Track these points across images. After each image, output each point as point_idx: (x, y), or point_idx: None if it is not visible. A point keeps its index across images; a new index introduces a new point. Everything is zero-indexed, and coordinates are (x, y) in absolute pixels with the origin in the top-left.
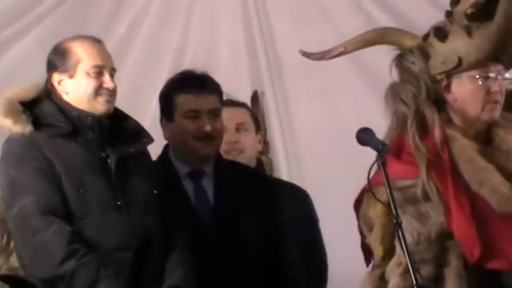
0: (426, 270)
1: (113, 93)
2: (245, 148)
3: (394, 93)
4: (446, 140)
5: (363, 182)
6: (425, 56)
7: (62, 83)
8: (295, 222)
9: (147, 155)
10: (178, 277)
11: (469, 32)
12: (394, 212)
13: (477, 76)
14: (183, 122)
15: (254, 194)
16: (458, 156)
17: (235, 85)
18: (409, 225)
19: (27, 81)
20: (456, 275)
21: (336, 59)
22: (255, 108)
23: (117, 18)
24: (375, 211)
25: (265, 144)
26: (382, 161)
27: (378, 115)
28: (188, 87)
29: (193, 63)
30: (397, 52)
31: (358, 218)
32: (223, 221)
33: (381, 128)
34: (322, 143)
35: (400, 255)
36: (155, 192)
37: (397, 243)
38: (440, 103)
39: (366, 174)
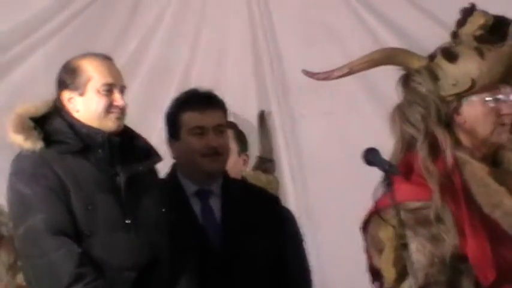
0: None
1: (123, 110)
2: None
3: (401, 114)
4: (457, 163)
5: (369, 202)
6: (434, 76)
7: (72, 100)
8: (289, 242)
9: (155, 173)
10: None
11: (481, 54)
12: (402, 233)
13: (487, 98)
14: (189, 139)
15: (261, 214)
16: (470, 179)
17: (242, 105)
18: (422, 247)
19: (36, 98)
20: None
21: (343, 78)
22: (261, 128)
23: (126, 36)
24: (386, 233)
25: (272, 163)
26: (388, 181)
27: (385, 135)
28: (193, 105)
29: (200, 82)
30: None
31: (365, 240)
32: (230, 240)
33: (388, 148)
34: (328, 163)
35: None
36: (163, 210)
37: (409, 267)
38: (448, 125)
39: (372, 193)
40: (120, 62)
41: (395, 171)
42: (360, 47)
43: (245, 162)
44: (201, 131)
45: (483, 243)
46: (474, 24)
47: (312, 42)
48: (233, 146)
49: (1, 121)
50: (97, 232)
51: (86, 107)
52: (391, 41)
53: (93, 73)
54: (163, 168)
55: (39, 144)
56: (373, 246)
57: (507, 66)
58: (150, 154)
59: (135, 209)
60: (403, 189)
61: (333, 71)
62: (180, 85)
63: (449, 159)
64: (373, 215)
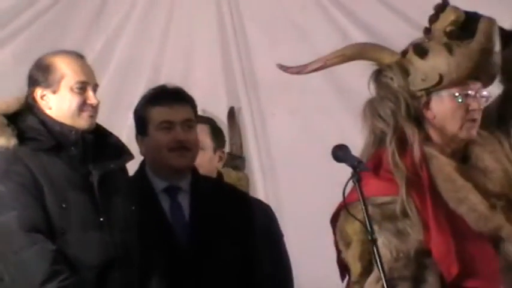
0: (405, 287)
1: (96, 109)
2: (199, 167)
3: (372, 109)
4: (425, 158)
5: (338, 198)
6: (405, 72)
7: (44, 97)
8: (263, 238)
9: (125, 171)
10: None
11: (449, 50)
12: (369, 228)
13: (457, 94)
14: (157, 134)
15: (230, 211)
16: (436, 174)
17: (211, 101)
18: (388, 242)
19: (6, 92)
20: None
21: (312, 76)
22: (231, 124)
23: (93, 34)
24: (353, 228)
25: (242, 159)
26: (357, 177)
27: (354, 132)
28: (161, 100)
29: (170, 79)
30: (374, 68)
31: (334, 233)
32: (198, 237)
33: (357, 145)
34: (298, 159)
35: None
36: (133, 208)
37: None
38: (418, 120)
39: (342, 190)
40: (88, 59)
41: (364, 167)
42: (329, 45)
43: (221, 158)
44: (168, 125)
45: (447, 238)
46: (445, 20)
47: (281, 40)
48: (208, 142)
49: None
50: (71, 230)
51: (58, 104)
52: (360, 39)
53: (67, 71)
54: (133, 166)
55: (13, 141)
56: (341, 240)
57: (475, 62)
58: (122, 152)
59: (108, 207)
60: (371, 184)
61: (305, 65)
62: (149, 82)
63: (417, 154)
64: (342, 208)
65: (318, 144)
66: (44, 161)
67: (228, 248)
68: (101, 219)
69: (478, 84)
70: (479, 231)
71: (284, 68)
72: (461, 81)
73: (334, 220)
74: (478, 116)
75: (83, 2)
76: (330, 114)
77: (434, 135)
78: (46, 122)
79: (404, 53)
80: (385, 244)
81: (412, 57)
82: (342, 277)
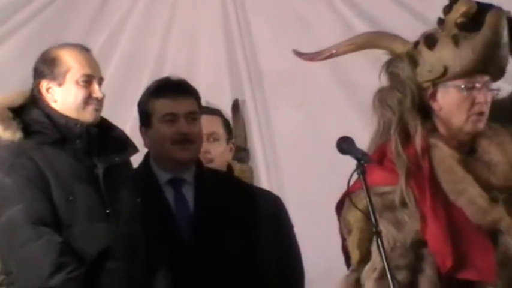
0: (401, 277)
1: (101, 102)
2: (214, 158)
3: (381, 98)
4: (427, 149)
5: (342, 190)
6: (414, 63)
7: (50, 90)
8: (271, 230)
9: (129, 163)
10: None
11: (456, 42)
12: (373, 220)
13: (462, 86)
14: (160, 126)
15: (235, 203)
16: (438, 166)
17: (215, 93)
18: (386, 231)
19: (8, 88)
20: (430, 283)
21: (316, 69)
22: (235, 117)
23: (97, 27)
24: (354, 216)
25: (246, 152)
26: (361, 169)
27: (358, 124)
28: (165, 92)
29: (174, 72)
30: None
31: (339, 221)
32: (203, 229)
33: (361, 137)
34: (302, 151)
35: (375, 261)
36: (138, 201)
37: (373, 249)
38: (426, 111)
39: (346, 182)
40: (92, 52)
41: (368, 160)
42: (334, 38)
43: (231, 150)
44: (172, 117)
45: (443, 230)
46: (457, 12)
47: (286, 33)
48: (222, 133)
49: None
50: (77, 222)
51: (64, 97)
52: (364, 30)
53: (72, 64)
54: (138, 158)
55: (18, 135)
56: (344, 228)
57: (480, 55)
58: (127, 145)
59: (113, 200)
60: (374, 174)
61: (318, 52)
62: (153, 75)
63: (418, 145)
64: (346, 196)
65: (322, 137)
66: (49, 154)
67: (232, 240)
68: (107, 211)
69: (486, 77)
70: (478, 224)
71: (299, 54)
72: (467, 74)
73: (339, 208)
74: (485, 109)
75: None
76: (334, 107)
77: (440, 126)
78: (51, 115)
79: (416, 43)
80: (384, 233)
81: (422, 48)
82: (347, 265)
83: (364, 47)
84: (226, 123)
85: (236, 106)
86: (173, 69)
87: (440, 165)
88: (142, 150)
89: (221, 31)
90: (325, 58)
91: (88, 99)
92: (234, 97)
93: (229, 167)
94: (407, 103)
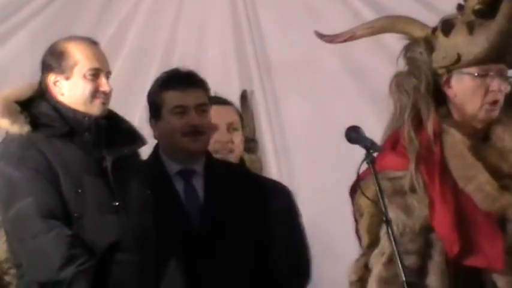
0: (409, 262)
1: (108, 96)
2: (235, 148)
3: (398, 82)
4: (439, 135)
5: (352, 179)
6: (430, 48)
7: (57, 83)
8: (279, 219)
9: (138, 155)
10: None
11: (470, 29)
12: (383, 209)
13: (476, 74)
14: (170, 118)
15: (244, 193)
16: (448, 152)
17: (224, 84)
18: (395, 216)
19: (17, 80)
20: (438, 269)
21: (325, 57)
22: (244, 107)
23: (106, 19)
24: (365, 200)
25: (254, 142)
26: (370, 159)
27: (368, 113)
28: (174, 84)
29: (182, 63)
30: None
31: (352, 204)
32: (213, 220)
33: (371, 126)
34: (311, 141)
35: (384, 245)
36: (148, 192)
37: (382, 234)
38: (441, 97)
39: (355, 172)
40: (100, 44)
41: (377, 148)
42: (341, 26)
43: (241, 141)
44: (182, 110)
45: (451, 216)
46: None
47: (294, 23)
48: (239, 122)
49: None
50: (86, 214)
51: (71, 91)
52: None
53: (80, 57)
54: (147, 150)
55: (26, 128)
56: (357, 212)
57: (493, 43)
58: (135, 138)
59: (123, 192)
60: (386, 158)
61: (338, 34)
62: (162, 66)
63: (430, 130)
64: (359, 180)
65: (332, 126)
66: (58, 146)
67: (242, 230)
68: (116, 203)
69: (501, 66)
70: (486, 211)
71: (320, 36)
72: (480, 62)
73: (353, 192)
74: (499, 97)
75: None
76: (344, 96)
77: (455, 113)
78: (59, 108)
79: (434, 29)
80: (393, 218)
81: (439, 33)
82: (360, 246)
83: (383, 30)
84: (239, 113)
85: (244, 97)
86: (181, 61)
87: (451, 152)
88: (151, 142)
89: (229, 21)
90: (344, 41)
91: (95, 92)
92: (242, 88)
93: (241, 158)
94: (422, 89)
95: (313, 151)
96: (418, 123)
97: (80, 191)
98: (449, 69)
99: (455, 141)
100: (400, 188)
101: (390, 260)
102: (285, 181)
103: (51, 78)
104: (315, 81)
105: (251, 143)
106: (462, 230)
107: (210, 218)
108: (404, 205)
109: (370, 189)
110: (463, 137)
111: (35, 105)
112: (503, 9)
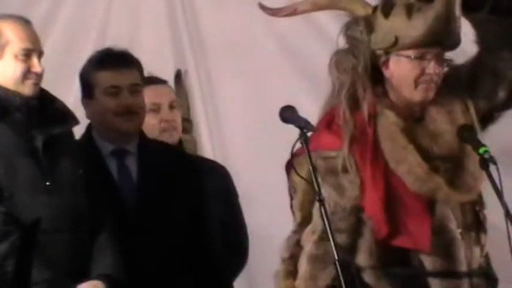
0: (340, 240)
1: (40, 77)
2: (178, 125)
3: (337, 61)
4: (374, 116)
5: (286, 158)
6: (370, 28)
7: None
8: (216, 199)
9: (71, 135)
10: (107, 265)
11: (409, 13)
12: (316, 188)
13: (413, 56)
14: (103, 99)
15: (179, 173)
16: (381, 133)
17: (158, 64)
18: (328, 195)
19: None
20: (368, 248)
21: (259, 38)
22: (178, 87)
23: None
24: (298, 177)
25: (189, 122)
26: (305, 138)
27: (302, 92)
28: (107, 64)
29: (116, 42)
30: (319, 26)
31: (288, 180)
32: (146, 199)
33: (305, 105)
34: (246, 121)
35: (316, 223)
36: (81, 172)
37: (314, 212)
38: (379, 76)
39: (289, 151)
40: (33, 21)
41: (311, 128)
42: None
43: None
44: (115, 90)
45: (380, 198)
46: None
47: (228, 3)
48: (177, 104)
49: None
50: (18, 194)
51: (3, 70)
52: None
53: (12, 37)
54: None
55: None
56: (291, 188)
57: (429, 28)
58: (67, 117)
59: (54, 171)
60: (321, 137)
61: (280, 8)
62: (95, 45)
63: (365, 111)
64: (295, 158)
65: (266, 106)
66: None
67: (176, 209)
68: (47, 183)
69: (437, 49)
70: (416, 193)
71: (263, 8)
72: (418, 46)
73: (288, 168)
74: (435, 79)
75: None
76: (278, 75)
77: (391, 93)
78: None
79: (375, 8)
80: (325, 197)
81: (379, 14)
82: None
83: (324, 7)
84: (175, 92)
85: (179, 76)
86: (115, 40)
87: (384, 133)
88: (85, 122)
89: (163, 2)
90: (287, 15)
91: (27, 73)
92: (176, 67)
93: (180, 139)
94: (360, 69)
95: (247, 131)
96: (354, 103)
97: (10, 171)
98: (387, 51)
99: (389, 123)
100: (333, 167)
101: (321, 238)
102: (219, 160)
103: None
104: (249, 61)
105: (186, 123)
106: (391, 211)
107: (143, 197)
108: (337, 184)
109: (304, 167)
110: (397, 119)
111: None
112: None
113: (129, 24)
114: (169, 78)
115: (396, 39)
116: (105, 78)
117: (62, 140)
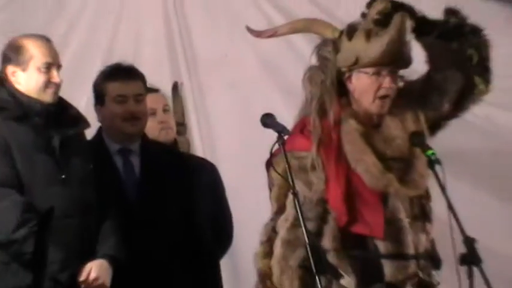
0: (310, 226)
1: (58, 86)
2: (172, 125)
3: (310, 76)
4: (339, 123)
5: (266, 158)
6: (336, 49)
7: (15, 74)
8: (206, 192)
9: (84, 136)
10: (111, 247)
11: (368, 37)
12: (291, 182)
13: (371, 73)
14: (112, 106)
15: (175, 169)
16: (344, 138)
17: (157, 77)
18: (299, 189)
19: None
20: (332, 233)
21: (244, 54)
22: (175, 95)
23: (57, 20)
24: (276, 174)
25: (184, 126)
26: (282, 141)
27: (280, 103)
28: (116, 76)
29: (121, 58)
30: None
31: (268, 176)
32: (147, 192)
33: (282, 114)
34: (232, 126)
35: (289, 213)
36: (91, 167)
37: (288, 203)
38: (344, 89)
39: (269, 151)
40: (53, 41)
41: (287, 132)
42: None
43: None
44: (122, 98)
45: (341, 192)
46: (375, 9)
47: (217, 23)
48: (170, 108)
49: None
50: (36, 186)
51: (27, 81)
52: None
53: (36, 52)
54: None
55: None
56: (270, 183)
57: (385, 50)
58: (80, 121)
59: (68, 166)
60: (295, 140)
61: (263, 31)
62: (104, 61)
63: (330, 119)
64: (273, 157)
65: (250, 114)
66: (13, 127)
67: (173, 201)
68: (63, 176)
69: (392, 67)
70: (372, 188)
71: (250, 30)
72: (375, 64)
73: (268, 166)
74: (389, 92)
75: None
76: (260, 88)
77: (354, 104)
78: (15, 95)
79: (341, 32)
80: (298, 190)
81: (344, 37)
82: None
83: (300, 30)
84: (166, 98)
85: (175, 87)
86: (121, 56)
87: (346, 137)
88: (95, 125)
89: (162, 22)
90: (269, 36)
91: (48, 83)
92: (173, 80)
93: (175, 139)
94: (328, 83)
95: (233, 134)
96: (323, 112)
97: (30, 165)
98: (350, 69)
99: (351, 129)
100: (304, 165)
101: (293, 225)
102: (209, 159)
103: (10, 69)
104: (236, 75)
105: (181, 127)
106: (351, 203)
107: (144, 190)
108: (306, 180)
109: (281, 165)
110: (358, 125)
111: None
112: (395, 21)
113: (133, 45)
114: (167, 89)
115: (357, 59)
116: (114, 88)
117: (75, 140)
